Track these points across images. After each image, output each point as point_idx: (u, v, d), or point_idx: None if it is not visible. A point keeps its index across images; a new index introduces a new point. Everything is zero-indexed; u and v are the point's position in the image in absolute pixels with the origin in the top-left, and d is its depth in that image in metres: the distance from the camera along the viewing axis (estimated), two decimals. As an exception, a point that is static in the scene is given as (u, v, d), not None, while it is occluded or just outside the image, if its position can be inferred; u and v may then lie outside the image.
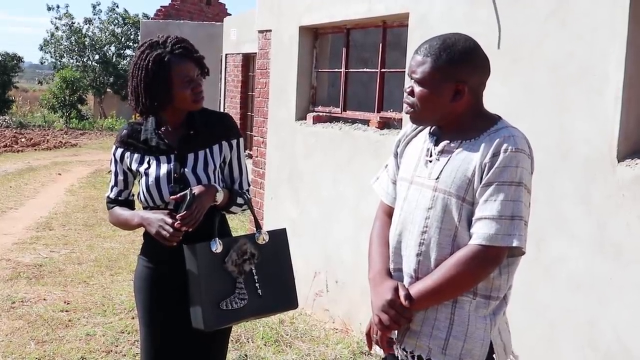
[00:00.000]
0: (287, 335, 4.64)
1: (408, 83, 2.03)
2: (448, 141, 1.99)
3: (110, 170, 2.60)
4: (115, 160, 2.53)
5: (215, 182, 2.48)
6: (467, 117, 1.98)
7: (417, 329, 1.99)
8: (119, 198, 2.57)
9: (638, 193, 2.79)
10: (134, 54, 2.47)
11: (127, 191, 2.56)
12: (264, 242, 2.49)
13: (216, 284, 2.35)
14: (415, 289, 1.95)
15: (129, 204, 2.59)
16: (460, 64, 1.93)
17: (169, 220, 2.31)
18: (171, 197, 2.38)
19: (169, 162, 2.44)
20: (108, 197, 2.60)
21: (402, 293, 1.96)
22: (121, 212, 2.55)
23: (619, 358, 2.87)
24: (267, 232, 2.52)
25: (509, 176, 1.86)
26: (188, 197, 2.33)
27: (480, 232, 1.87)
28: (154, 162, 2.45)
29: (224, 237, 2.46)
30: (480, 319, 1.94)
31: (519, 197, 1.87)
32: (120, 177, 2.53)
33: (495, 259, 1.89)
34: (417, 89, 1.97)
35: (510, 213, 1.86)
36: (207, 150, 2.48)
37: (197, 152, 2.46)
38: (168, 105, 2.41)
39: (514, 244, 1.86)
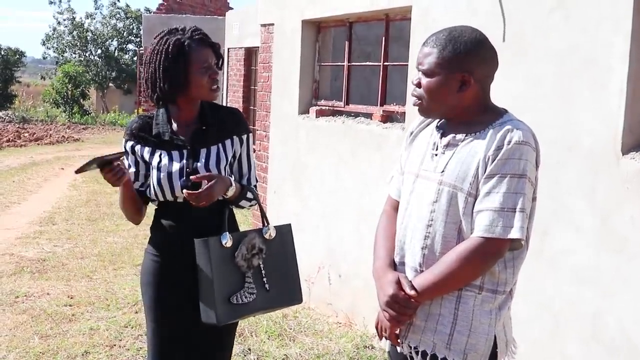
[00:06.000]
0: (291, 329, 4.64)
1: (416, 76, 2.03)
2: (454, 134, 1.99)
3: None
4: (126, 153, 2.49)
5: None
6: (473, 110, 1.99)
7: (421, 324, 1.99)
8: None
9: (642, 186, 2.78)
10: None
11: (138, 183, 2.51)
12: (271, 237, 2.48)
13: (227, 278, 2.35)
14: (417, 283, 1.95)
15: (139, 193, 2.52)
16: (465, 55, 1.94)
17: None
18: (184, 191, 2.35)
19: (181, 157, 2.42)
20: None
21: (404, 283, 1.96)
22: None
23: (623, 350, 2.86)
24: (274, 227, 2.51)
25: (512, 168, 1.86)
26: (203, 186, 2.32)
27: (482, 225, 1.87)
28: (166, 156, 2.43)
29: (233, 232, 2.45)
30: (485, 313, 1.94)
31: (521, 189, 1.86)
32: (132, 170, 2.49)
33: (497, 252, 1.89)
34: (424, 80, 1.98)
35: (512, 205, 1.85)
36: (220, 145, 2.47)
37: (210, 147, 2.45)
38: (185, 91, 2.39)
39: (515, 236, 1.85)
